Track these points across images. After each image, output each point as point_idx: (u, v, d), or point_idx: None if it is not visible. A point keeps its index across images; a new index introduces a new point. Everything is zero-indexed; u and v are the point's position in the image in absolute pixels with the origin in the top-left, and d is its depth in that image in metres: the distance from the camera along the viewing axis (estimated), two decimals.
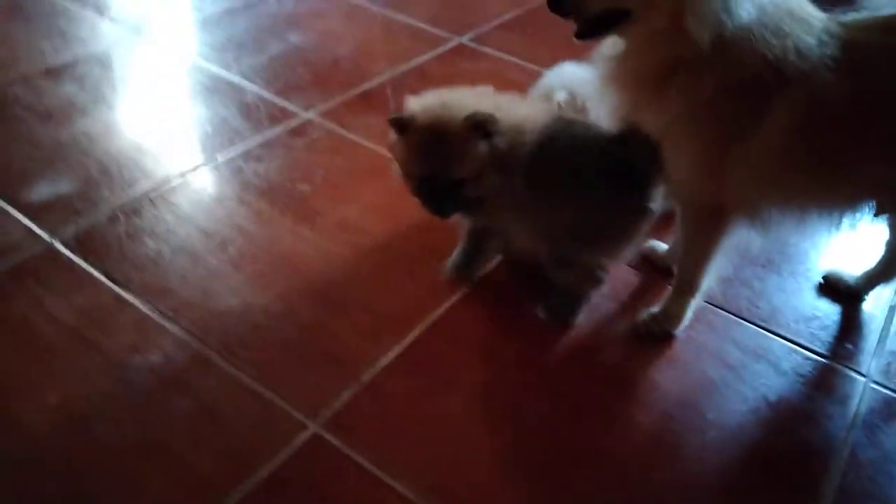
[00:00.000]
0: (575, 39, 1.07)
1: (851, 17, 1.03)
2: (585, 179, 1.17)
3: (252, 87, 1.88)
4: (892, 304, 1.40)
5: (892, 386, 1.24)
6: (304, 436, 1.08)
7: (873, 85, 0.98)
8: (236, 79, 1.91)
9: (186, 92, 1.86)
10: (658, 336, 1.28)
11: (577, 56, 2.12)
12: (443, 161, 1.14)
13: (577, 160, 1.18)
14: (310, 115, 1.80)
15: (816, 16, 1.01)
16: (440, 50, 2.14)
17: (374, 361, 1.20)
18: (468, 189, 1.15)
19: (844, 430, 1.16)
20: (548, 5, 1.04)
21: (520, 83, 1.98)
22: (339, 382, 1.16)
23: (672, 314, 1.28)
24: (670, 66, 1.01)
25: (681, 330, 1.29)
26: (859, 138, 1.01)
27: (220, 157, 1.63)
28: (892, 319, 1.37)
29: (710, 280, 1.24)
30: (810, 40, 0.98)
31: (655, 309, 1.29)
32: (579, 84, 1.45)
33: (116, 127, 1.72)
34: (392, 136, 1.18)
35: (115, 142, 1.65)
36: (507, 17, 2.38)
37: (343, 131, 1.75)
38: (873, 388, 1.23)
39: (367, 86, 1.94)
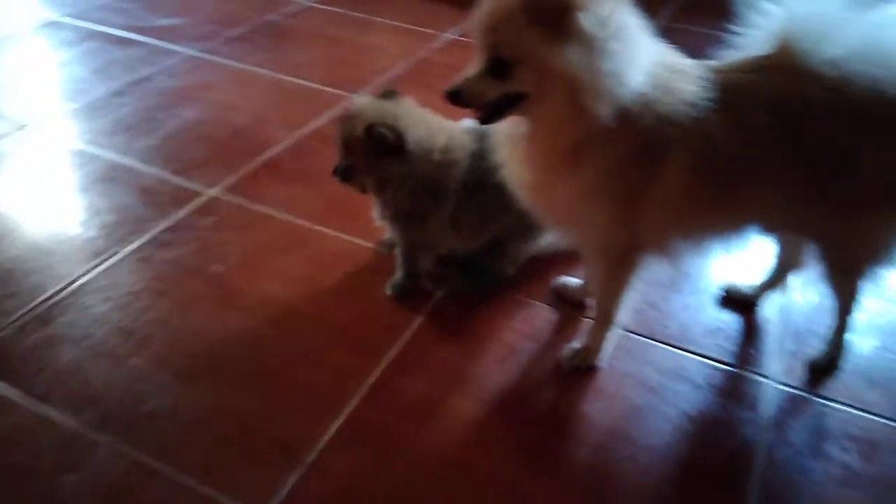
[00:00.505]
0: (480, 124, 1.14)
1: (720, 61, 1.14)
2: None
3: (150, 170, 1.86)
4: (783, 305, 1.53)
5: (794, 384, 1.35)
6: None
7: (749, 121, 1.08)
8: (133, 163, 1.89)
9: (83, 183, 1.82)
10: (582, 369, 1.35)
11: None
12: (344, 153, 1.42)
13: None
14: (214, 191, 1.79)
15: (690, 65, 1.11)
16: (337, 110, 2.18)
17: (317, 440, 1.21)
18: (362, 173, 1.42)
19: (759, 432, 1.25)
20: (446, 99, 1.09)
21: None
22: (284, 468, 1.16)
23: (593, 348, 1.35)
24: (578, 143, 1.08)
25: (603, 361, 1.36)
26: (745, 170, 1.11)
27: (128, 248, 1.60)
28: (785, 321, 1.49)
29: (624, 310, 1.32)
30: (693, 88, 1.07)
31: (577, 344, 1.36)
32: None
33: (13, 230, 1.66)
34: None
35: (13, 246, 1.60)
36: (397, 70, 2.45)
37: (252, 205, 1.76)
38: (778, 389, 1.34)
39: (269, 154, 1.95)
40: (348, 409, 1.26)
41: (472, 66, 1.08)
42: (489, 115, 1.12)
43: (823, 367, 1.37)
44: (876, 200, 1.12)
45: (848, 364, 1.38)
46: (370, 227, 1.67)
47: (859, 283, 1.27)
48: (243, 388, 1.30)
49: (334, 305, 1.49)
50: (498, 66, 1.05)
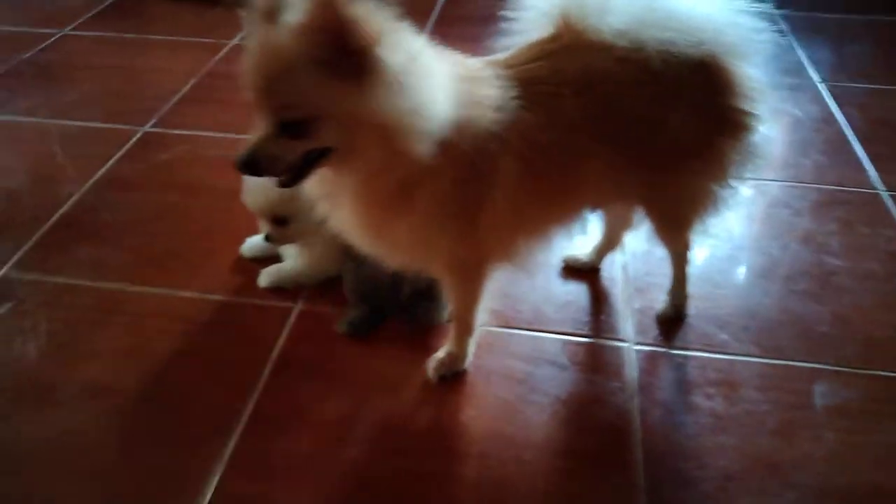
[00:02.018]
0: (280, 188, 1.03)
1: (502, 56, 1.11)
2: None
3: None
4: (623, 264, 1.57)
5: (650, 341, 1.40)
6: None
7: (557, 108, 1.07)
8: None
9: None
10: (450, 377, 1.31)
11: None
12: None
13: None
14: (2, 271, 1.55)
15: (483, 67, 1.08)
16: (127, 147, 1.98)
17: None
18: None
19: (628, 399, 1.28)
20: (238, 169, 0.97)
21: (225, 157, 1.90)
22: None
23: (458, 354, 1.31)
24: (403, 183, 1.01)
25: (468, 364, 1.33)
26: (568, 158, 1.10)
27: None
28: (628, 280, 1.54)
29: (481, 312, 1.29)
30: (495, 92, 1.03)
31: (441, 353, 1.32)
32: None
33: None
34: None
35: None
36: (184, 90, 2.26)
37: (50, 277, 1.55)
38: (636, 350, 1.38)
39: (58, 214, 1.72)
40: (211, 489, 1.14)
41: (259, 127, 0.95)
42: (292, 177, 1.00)
43: (670, 318, 1.42)
44: (682, 158, 1.16)
45: (693, 310, 1.45)
46: (192, 275, 1.53)
47: (689, 235, 1.32)
48: (83, 495, 1.14)
49: (171, 374, 1.34)
50: (291, 126, 0.93)
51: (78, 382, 1.32)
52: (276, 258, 1.53)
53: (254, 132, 0.97)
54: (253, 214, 1.45)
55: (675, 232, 1.31)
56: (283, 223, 1.42)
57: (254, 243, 1.57)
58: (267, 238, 1.45)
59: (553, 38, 1.11)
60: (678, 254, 1.37)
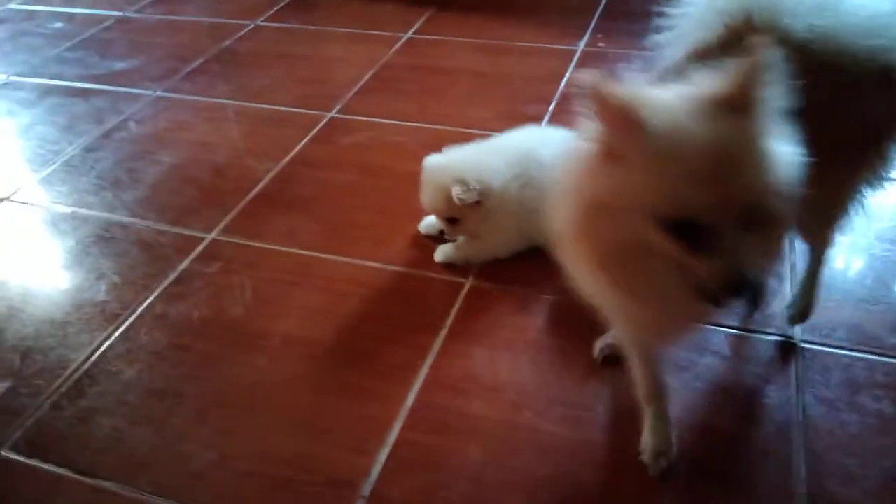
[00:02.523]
0: None
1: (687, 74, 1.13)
2: None
3: (145, 223, 1.85)
4: (791, 262, 1.58)
5: (817, 339, 1.40)
6: None
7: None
8: (126, 218, 1.87)
9: (80, 248, 1.80)
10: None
11: (445, 102, 2.26)
12: None
13: None
14: (213, 235, 1.79)
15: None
16: (315, 130, 2.18)
17: (369, 472, 1.23)
18: None
19: (792, 394, 1.30)
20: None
21: (404, 144, 2.07)
22: None
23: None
24: None
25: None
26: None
27: (141, 307, 1.59)
28: (794, 277, 1.54)
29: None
30: None
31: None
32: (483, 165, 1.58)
33: (20, 309, 1.64)
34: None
35: (25, 325, 1.58)
36: (364, 80, 2.44)
37: (252, 242, 1.76)
38: (803, 346, 1.39)
39: (259, 187, 1.95)
40: (394, 436, 1.28)
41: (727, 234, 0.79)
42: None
43: (794, 320, 1.39)
44: (856, 151, 1.11)
45: (865, 313, 1.43)
46: (373, 247, 1.69)
47: (834, 231, 1.26)
48: (284, 430, 1.32)
49: (357, 332, 1.50)
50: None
51: (277, 334, 1.51)
52: None
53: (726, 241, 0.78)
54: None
55: (824, 226, 1.25)
56: (454, 222, 1.57)
57: (430, 221, 1.71)
58: (441, 233, 1.61)
59: (733, 42, 1.01)
60: (819, 251, 1.32)
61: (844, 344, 1.39)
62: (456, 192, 1.50)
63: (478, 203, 1.52)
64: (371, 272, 1.64)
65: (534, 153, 1.63)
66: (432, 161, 1.59)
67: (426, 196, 1.59)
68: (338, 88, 2.40)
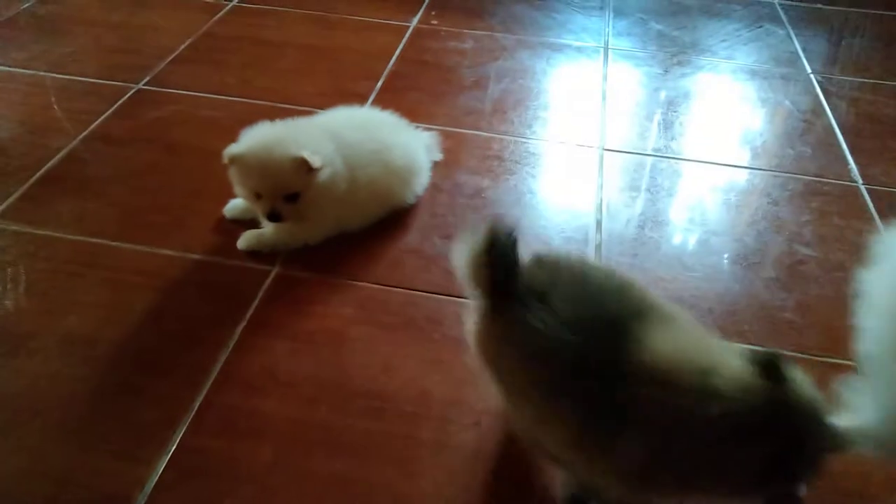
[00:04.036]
0: None
1: None
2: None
3: None
4: (596, 244, 1.60)
5: None
6: None
7: None
8: None
9: None
10: None
11: (268, 76, 2.13)
12: None
13: None
14: None
15: None
16: (119, 103, 1.99)
17: (144, 482, 1.12)
18: None
19: None
20: None
21: (218, 120, 1.93)
22: None
23: None
24: None
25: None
26: None
27: None
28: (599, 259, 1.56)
29: None
30: None
31: None
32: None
33: None
34: None
35: None
36: (180, 49, 2.27)
37: (32, 229, 1.57)
38: None
39: (47, 168, 1.75)
40: (175, 442, 1.18)
41: None
42: None
43: None
44: None
45: (662, 292, 1.47)
46: (172, 233, 1.56)
47: None
48: (54, 443, 1.18)
49: (145, 329, 1.37)
50: None
51: (52, 333, 1.35)
52: (257, 221, 1.56)
53: None
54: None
55: None
56: (293, 200, 1.46)
57: (236, 204, 1.60)
58: (273, 216, 1.46)
59: None
60: None
61: None
62: (309, 156, 1.41)
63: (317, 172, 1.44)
64: (166, 261, 1.51)
65: (351, 135, 1.55)
66: (263, 135, 1.48)
67: (254, 177, 1.46)
68: (149, 58, 2.21)
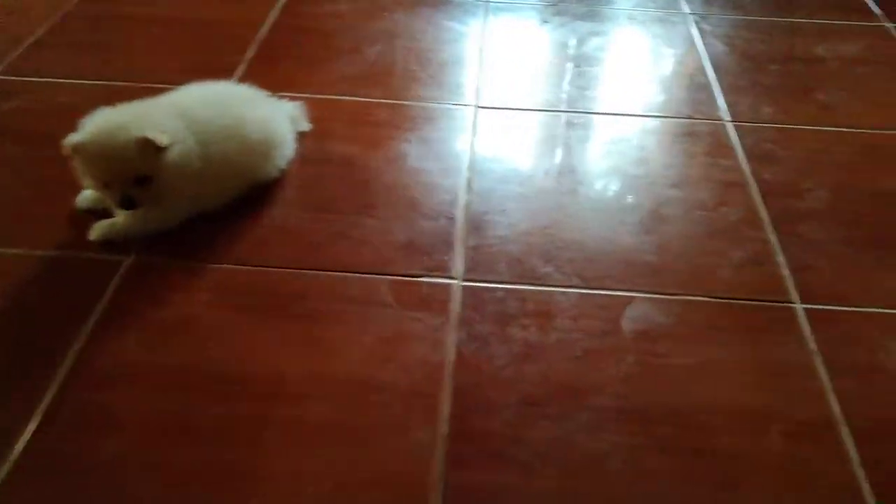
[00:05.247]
0: None
1: None
2: None
3: None
4: (466, 203, 1.60)
5: (477, 277, 1.43)
6: None
7: None
8: None
9: None
10: None
11: (132, 55, 2.04)
12: None
13: None
14: None
15: None
16: None
17: None
18: None
19: (448, 334, 1.32)
20: None
21: (78, 106, 1.84)
22: None
23: None
24: None
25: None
26: None
27: None
28: (467, 218, 1.56)
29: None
30: None
31: None
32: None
33: None
34: None
35: None
36: (38, 34, 2.16)
37: None
38: (464, 286, 1.41)
39: None
40: (22, 443, 1.14)
41: None
42: None
43: None
44: None
45: (525, 246, 1.49)
46: (19, 231, 1.50)
47: None
48: None
49: None
50: None
51: None
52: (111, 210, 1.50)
53: None
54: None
55: None
56: (144, 183, 1.40)
57: (88, 194, 1.54)
58: (126, 203, 1.41)
59: None
60: None
61: (502, 278, 1.43)
62: (154, 135, 1.36)
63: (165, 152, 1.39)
64: (15, 261, 1.44)
65: (202, 111, 1.50)
66: (104, 120, 1.42)
67: (99, 165, 1.40)
68: (4, 44, 2.09)
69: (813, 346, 1.31)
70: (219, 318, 1.35)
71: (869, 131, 1.87)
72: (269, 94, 1.73)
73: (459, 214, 1.59)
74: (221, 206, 1.54)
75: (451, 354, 1.28)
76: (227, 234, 1.52)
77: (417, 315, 1.36)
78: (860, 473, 1.12)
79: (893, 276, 1.45)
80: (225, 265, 1.45)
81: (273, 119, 1.63)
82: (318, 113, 1.83)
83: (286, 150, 1.65)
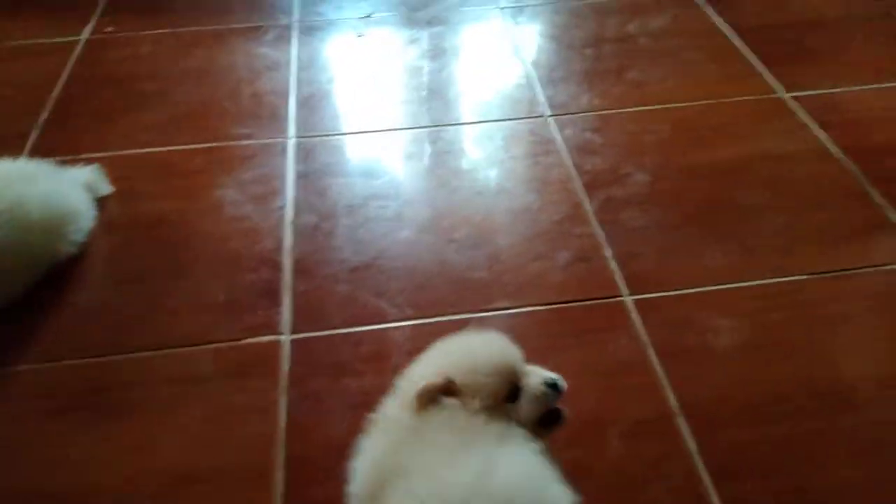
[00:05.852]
0: None
1: None
2: None
3: None
4: (290, 247, 1.52)
5: (307, 328, 1.35)
6: None
7: None
8: None
9: None
10: None
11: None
12: None
13: None
14: None
15: None
16: None
17: None
18: None
19: (279, 397, 1.23)
20: None
21: None
22: None
23: None
24: None
25: None
26: None
27: None
28: (293, 263, 1.48)
29: None
30: None
31: None
32: None
33: None
34: None
35: None
36: None
37: None
38: (293, 340, 1.33)
39: None
40: None
41: None
42: None
43: None
44: None
45: (357, 284, 1.42)
46: None
47: None
48: None
49: None
50: None
51: None
52: None
53: None
54: None
55: None
56: None
57: None
58: None
59: None
60: None
61: (333, 323, 1.36)
62: None
63: None
64: None
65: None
66: None
67: None
68: None
69: (645, 337, 1.32)
70: (23, 430, 1.21)
71: (680, 105, 1.92)
72: (62, 159, 1.59)
73: (285, 260, 1.50)
74: (17, 298, 1.39)
75: (282, 421, 1.20)
76: (24, 329, 1.37)
77: (243, 383, 1.27)
78: (699, 462, 1.13)
79: (713, 252, 1.48)
80: (24, 366, 1.31)
81: (58, 192, 1.48)
82: (120, 171, 1.70)
83: (82, 221, 1.51)
